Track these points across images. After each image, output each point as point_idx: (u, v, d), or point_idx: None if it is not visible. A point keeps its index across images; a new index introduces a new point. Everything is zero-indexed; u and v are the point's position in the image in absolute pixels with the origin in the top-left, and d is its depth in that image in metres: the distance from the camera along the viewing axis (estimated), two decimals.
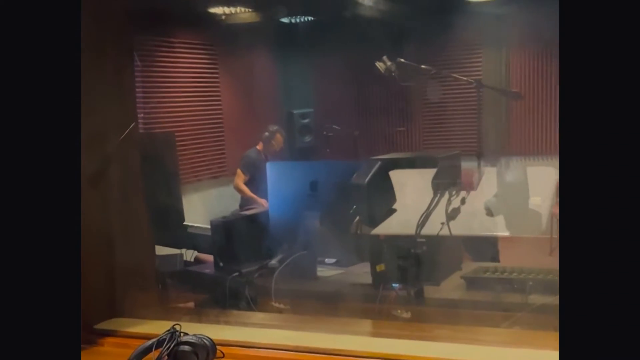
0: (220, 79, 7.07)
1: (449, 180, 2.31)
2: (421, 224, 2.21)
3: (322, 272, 3.01)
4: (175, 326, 1.77)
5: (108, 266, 2.14)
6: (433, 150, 7.65)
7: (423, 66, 5.02)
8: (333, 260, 3.14)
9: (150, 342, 1.74)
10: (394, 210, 2.32)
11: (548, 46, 6.84)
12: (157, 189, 2.64)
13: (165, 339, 1.74)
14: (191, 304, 2.73)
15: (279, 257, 3.08)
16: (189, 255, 4.40)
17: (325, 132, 6.88)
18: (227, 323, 2.05)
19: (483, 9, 6.59)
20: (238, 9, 6.63)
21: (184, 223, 3.72)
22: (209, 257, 4.43)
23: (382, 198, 2.28)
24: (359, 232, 2.35)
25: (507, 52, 7.20)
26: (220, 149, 7.08)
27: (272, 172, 3.34)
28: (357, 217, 2.36)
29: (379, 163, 2.25)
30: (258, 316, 2.17)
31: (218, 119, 7.07)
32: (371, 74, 5.08)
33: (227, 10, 6.62)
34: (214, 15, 6.67)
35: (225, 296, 2.69)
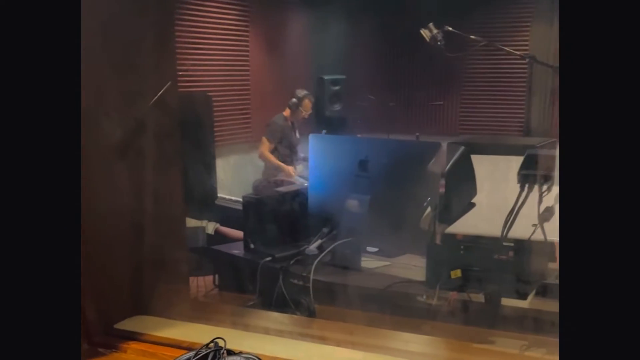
0: (250, 39, 6.65)
1: (539, 173, 1.94)
2: (509, 224, 1.84)
3: (365, 262, 2.69)
4: (217, 340, 1.44)
5: (134, 253, 1.80)
6: (471, 128, 7.26)
7: (472, 36, 4.64)
8: (374, 250, 2.81)
9: (185, 357, 1.42)
10: (473, 205, 1.96)
11: None
12: (192, 158, 2.30)
13: (204, 355, 1.41)
14: (221, 296, 2.40)
15: (317, 242, 2.75)
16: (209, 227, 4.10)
17: (358, 102, 6.50)
18: (257, 329, 1.71)
19: None
20: None
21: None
22: (231, 231, 4.12)
23: (462, 190, 1.92)
24: (430, 228, 1.99)
25: (557, 27, 6.75)
26: (245, 113, 6.69)
27: (315, 145, 2.97)
28: (428, 211, 1.99)
29: (461, 149, 1.88)
30: (292, 320, 1.84)
31: (245, 81, 6.66)
32: (413, 42, 4.71)
33: None
34: None
35: (273, 292, 2.36)
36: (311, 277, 2.46)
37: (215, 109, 6.10)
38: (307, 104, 6.04)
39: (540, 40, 6.74)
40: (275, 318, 1.95)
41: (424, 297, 2.20)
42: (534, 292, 2.06)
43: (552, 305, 2.02)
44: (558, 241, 1.01)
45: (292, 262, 2.64)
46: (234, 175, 6.08)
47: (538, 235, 1.93)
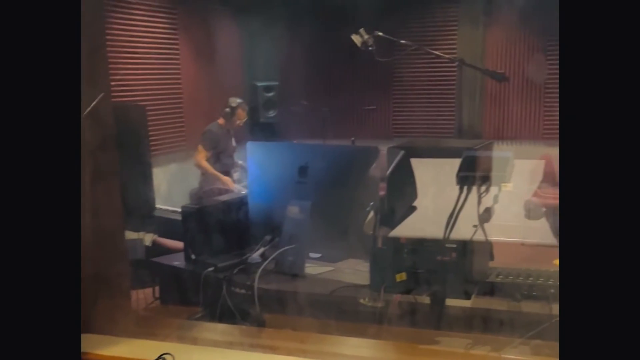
0: (180, 46, 6.56)
1: (477, 174, 1.97)
2: (450, 225, 1.87)
3: (308, 268, 2.68)
4: (165, 356, 1.41)
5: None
6: (404, 132, 7.37)
7: (403, 41, 4.71)
8: (317, 255, 2.80)
9: None
10: (414, 208, 1.98)
11: (527, 24, 6.63)
12: (128, 169, 2.25)
13: None
14: (163, 309, 2.35)
15: (260, 250, 2.73)
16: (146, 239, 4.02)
17: (292, 108, 6.50)
18: (206, 342, 1.68)
19: None
20: None
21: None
22: (170, 242, 4.05)
23: (403, 194, 1.94)
24: (373, 232, 2.00)
25: (483, 29, 6.92)
26: (179, 122, 6.59)
27: (253, 153, 2.95)
28: (371, 215, 2.01)
29: (401, 152, 1.90)
30: (241, 331, 1.82)
31: (177, 89, 6.57)
32: (344, 47, 4.74)
33: None
34: None
35: (217, 304, 2.32)
36: (256, 285, 2.44)
37: (148, 118, 6.00)
38: (241, 112, 6.03)
39: (467, 42, 6.91)
40: (224, 330, 1.92)
41: (366, 299, 2.21)
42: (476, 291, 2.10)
43: (494, 304, 2.07)
44: (558, 242, 1.02)
45: (235, 271, 2.61)
46: (171, 185, 5.98)
47: (479, 236, 1.97)
